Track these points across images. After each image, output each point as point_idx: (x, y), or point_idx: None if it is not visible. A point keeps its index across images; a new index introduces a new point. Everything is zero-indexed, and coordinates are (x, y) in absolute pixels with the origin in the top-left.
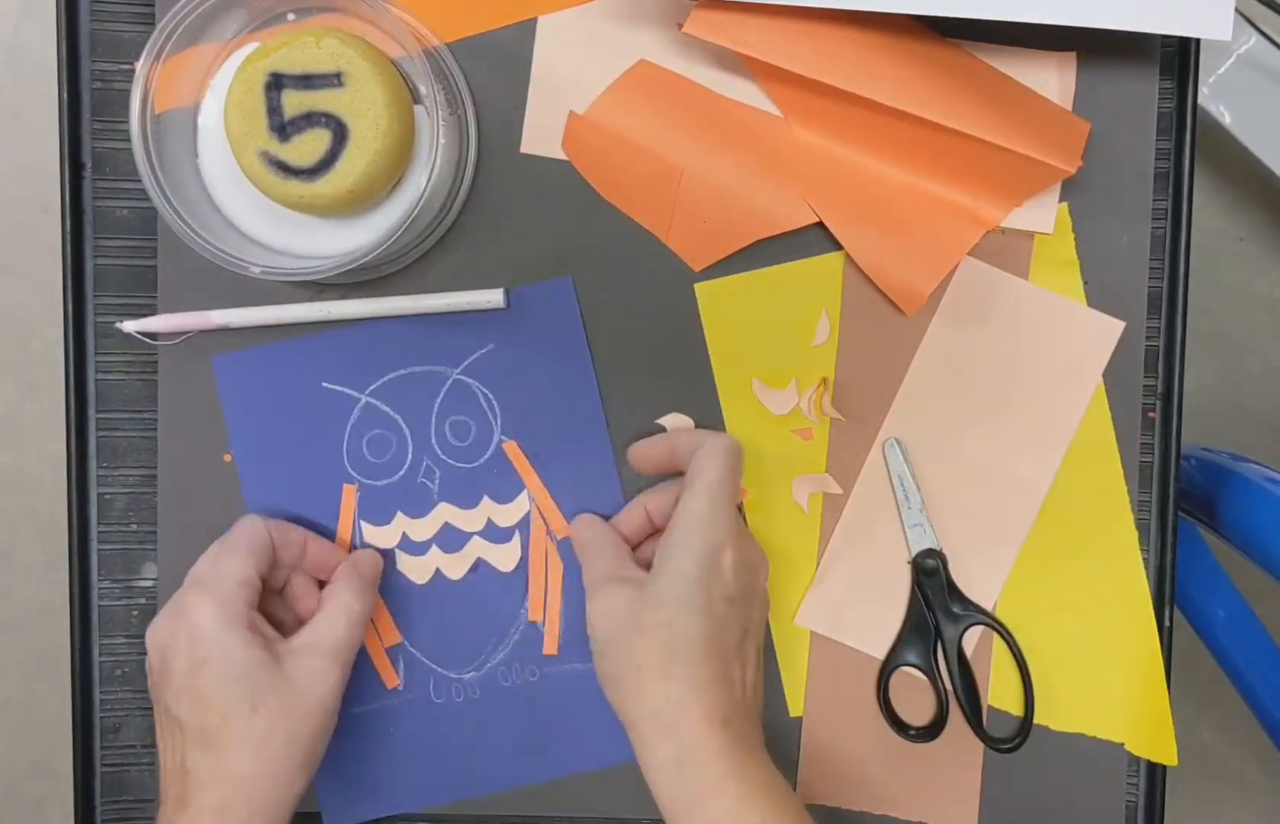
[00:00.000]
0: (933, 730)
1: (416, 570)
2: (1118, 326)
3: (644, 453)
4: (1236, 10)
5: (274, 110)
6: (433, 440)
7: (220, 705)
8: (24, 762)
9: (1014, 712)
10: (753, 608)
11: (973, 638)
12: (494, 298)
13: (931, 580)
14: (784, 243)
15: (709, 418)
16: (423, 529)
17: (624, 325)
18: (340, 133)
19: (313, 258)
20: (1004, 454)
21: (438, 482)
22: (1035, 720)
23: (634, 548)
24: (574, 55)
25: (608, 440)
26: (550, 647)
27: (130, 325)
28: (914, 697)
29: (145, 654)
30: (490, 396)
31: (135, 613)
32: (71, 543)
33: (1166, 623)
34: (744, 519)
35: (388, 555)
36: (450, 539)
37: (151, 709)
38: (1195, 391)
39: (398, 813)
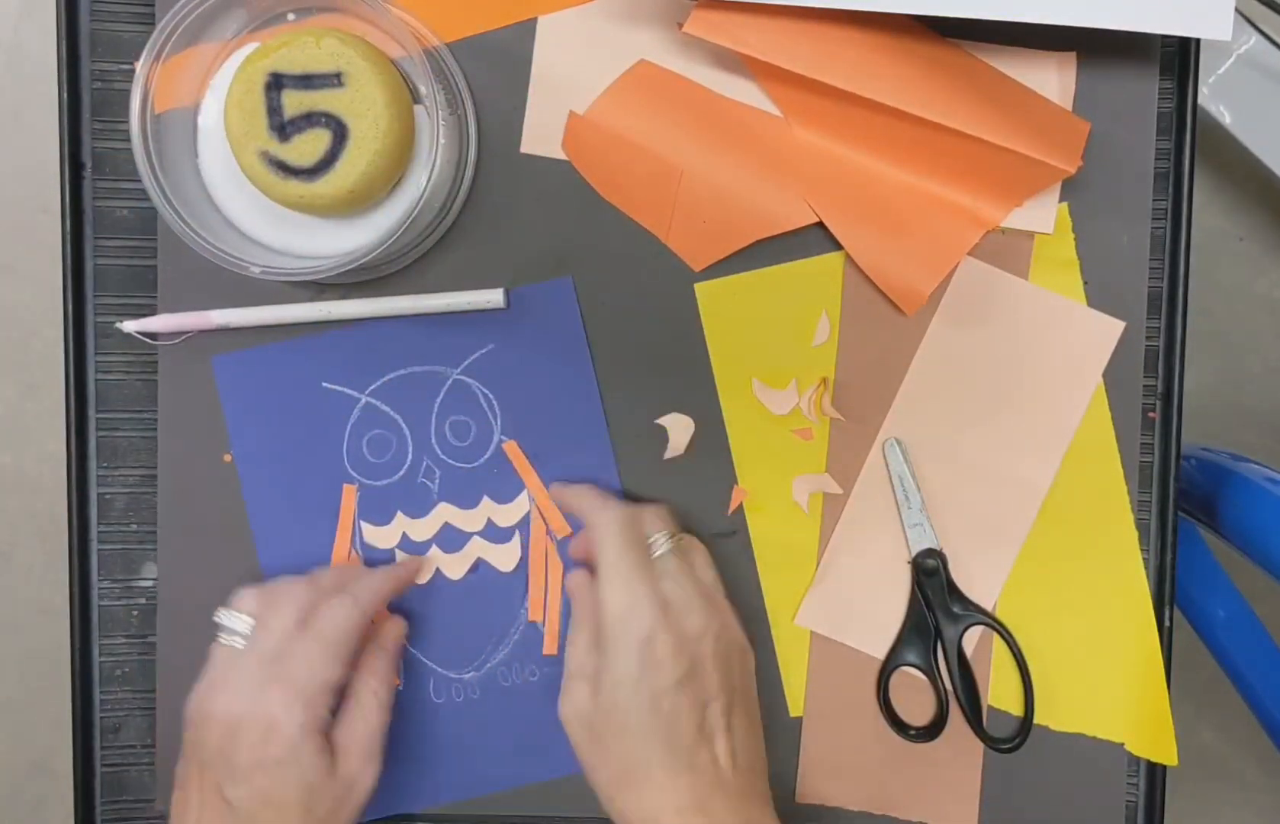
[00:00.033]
0: (933, 730)
1: None
2: (1118, 326)
3: (561, 497)
4: (1236, 10)
5: (274, 110)
6: (433, 440)
7: (280, 804)
8: (24, 762)
9: (1014, 712)
10: (708, 675)
11: (973, 638)
12: (494, 298)
13: (931, 580)
14: (784, 243)
15: (709, 418)
16: (423, 529)
17: (624, 325)
18: (340, 133)
19: (313, 258)
20: (1004, 454)
21: (438, 482)
22: (1035, 720)
23: None
24: (574, 55)
25: (608, 440)
26: (550, 647)
27: (130, 325)
28: (914, 697)
29: (146, 655)
30: (490, 397)
31: (135, 613)
32: (71, 543)
33: (1166, 623)
34: (677, 561)
35: (388, 556)
36: (450, 539)
37: (152, 710)
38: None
39: (398, 813)
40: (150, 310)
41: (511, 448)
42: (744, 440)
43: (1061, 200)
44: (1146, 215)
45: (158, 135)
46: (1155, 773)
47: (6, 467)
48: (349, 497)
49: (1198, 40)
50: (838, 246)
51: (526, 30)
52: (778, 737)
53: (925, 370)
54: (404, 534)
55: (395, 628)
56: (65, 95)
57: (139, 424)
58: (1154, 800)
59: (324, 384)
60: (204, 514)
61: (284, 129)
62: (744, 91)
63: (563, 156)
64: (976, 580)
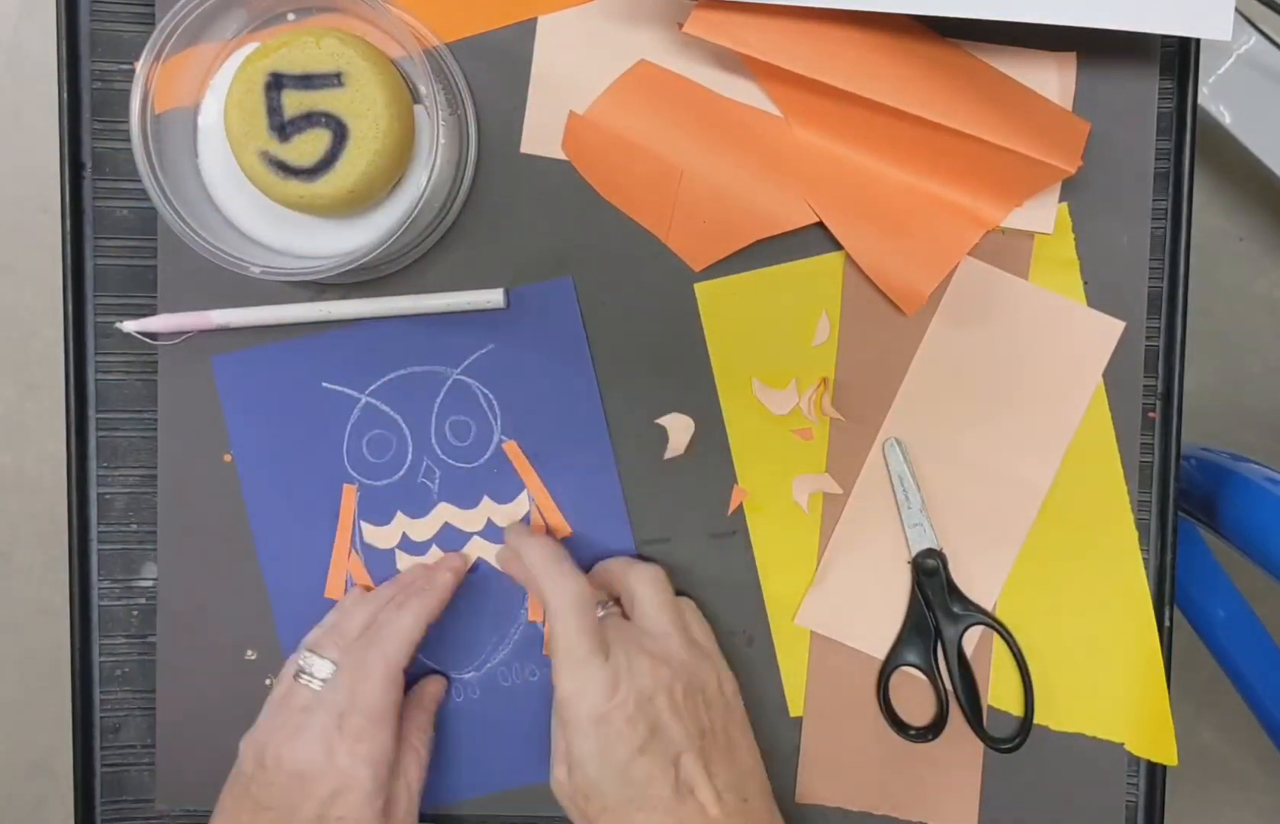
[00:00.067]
0: (933, 730)
1: None
2: (1118, 326)
3: (517, 550)
4: (1236, 10)
5: (274, 110)
6: (433, 440)
7: None
8: (24, 762)
9: (1014, 712)
10: (672, 730)
11: (973, 638)
12: (494, 298)
13: (931, 580)
14: (784, 243)
15: (709, 418)
16: (423, 529)
17: (624, 325)
18: (340, 133)
19: (313, 258)
20: (1004, 454)
21: (438, 481)
22: (1035, 720)
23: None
24: (574, 55)
25: (608, 440)
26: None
27: (130, 325)
28: (914, 697)
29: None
30: (490, 396)
31: (135, 613)
32: (71, 543)
33: (1166, 623)
34: (620, 623)
35: (388, 556)
36: (450, 539)
37: (152, 710)
38: (1195, 391)
39: None
40: (150, 310)
41: (511, 448)
42: (744, 440)
43: (1061, 200)
44: (1146, 215)
45: (158, 135)
46: (1155, 773)
47: (6, 467)
48: (349, 497)
49: (1198, 40)
50: (838, 246)
51: (526, 30)
52: (778, 737)
53: (925, 370)
54: (404, 534)
55: (435, 687)
56: (65, 95)
57: (139, 424)
58: (1154, 800)
59: (324, 384)
60: (204, 514)
61: (284, 129)
62: (744, 91)
63: (563, 156)
64: (976, 580)
